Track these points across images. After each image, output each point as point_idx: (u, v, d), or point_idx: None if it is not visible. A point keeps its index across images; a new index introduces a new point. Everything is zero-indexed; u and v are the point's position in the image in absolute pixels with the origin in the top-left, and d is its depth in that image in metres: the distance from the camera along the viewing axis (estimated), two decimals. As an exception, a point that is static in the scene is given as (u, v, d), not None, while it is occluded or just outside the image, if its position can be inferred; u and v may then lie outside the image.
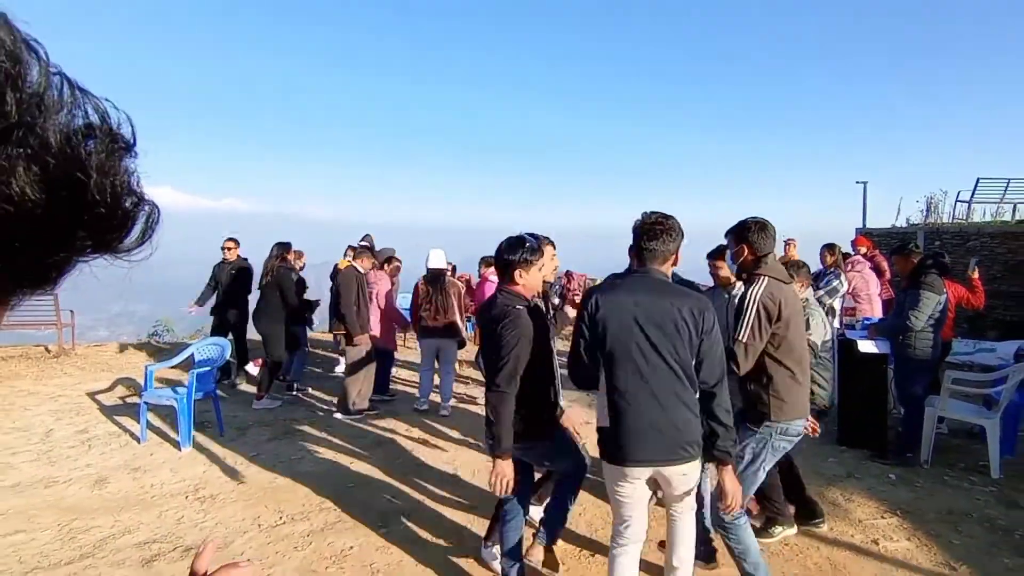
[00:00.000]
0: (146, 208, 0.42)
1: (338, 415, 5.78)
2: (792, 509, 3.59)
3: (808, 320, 3.27)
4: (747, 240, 2.73)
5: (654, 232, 2.36)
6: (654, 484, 2.45)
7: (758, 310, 2.61)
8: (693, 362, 2.29)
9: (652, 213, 2.45)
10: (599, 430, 2.40)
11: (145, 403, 5.02)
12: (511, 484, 2.47)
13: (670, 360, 2.25)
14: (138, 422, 5.08)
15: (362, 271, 5.92)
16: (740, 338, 2.62)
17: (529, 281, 2.66)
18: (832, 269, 7.13)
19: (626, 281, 2.44)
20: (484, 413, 2.55)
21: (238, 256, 7.04)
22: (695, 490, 2.46)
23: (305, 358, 7.10)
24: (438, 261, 6.09)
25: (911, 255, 4.98)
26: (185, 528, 3.59)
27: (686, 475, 2.33)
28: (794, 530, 3.53)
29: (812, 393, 3.15)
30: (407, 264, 7.50)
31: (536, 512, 3.29)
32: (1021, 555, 3.35)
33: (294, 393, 6.58)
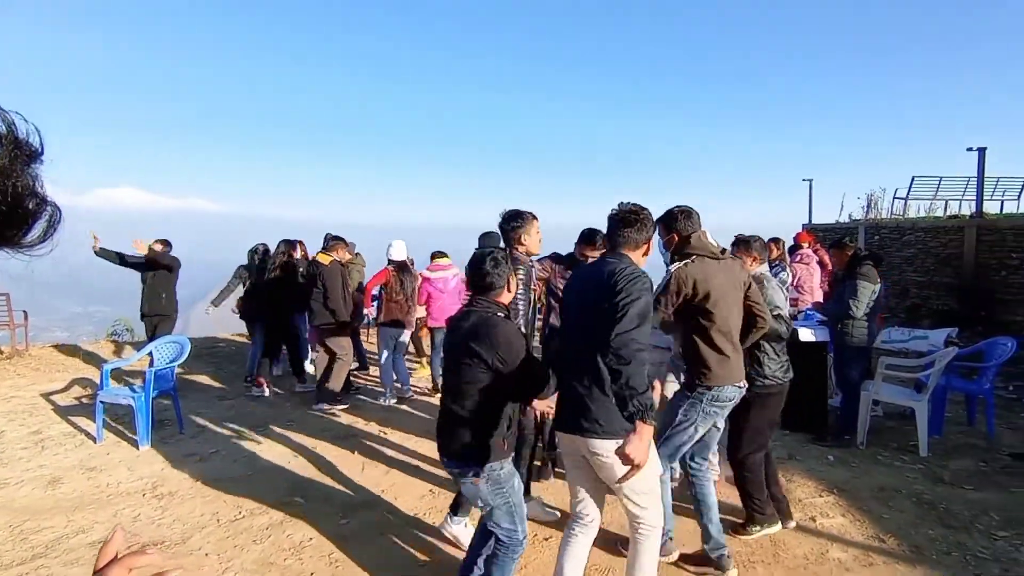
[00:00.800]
0: (48, 209, 0.44)
1: (321, 406, 5.73)
2: (772, 508, 3.43)
3: (765, 292, 3.33)
4: (675, 228, 2.87)
5: (629, 220, 2.43)
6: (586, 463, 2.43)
7: (667, 285, 2.75)
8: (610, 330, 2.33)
9: (628, 203, 2.52)
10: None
11: (101, 402, 4.87)
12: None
13: (589, 331, 2.30)
14: (94, 422, 4.93)
15: (343, 263, 6.03)
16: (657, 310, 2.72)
17: (513, 290, 2.53)
18: (777, 262, 7.33)
19: (592, 264, 2.53)
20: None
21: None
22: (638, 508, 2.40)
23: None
24: (400, 253, 6.13)
25: (846, 248, 5.18)
26: (141, 526, 3.51)
27: (595, 453, 2.29)
28: (776, 528, 3.42)
29: (762, 369, 3.24)
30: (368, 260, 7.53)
31: (460, 531, 3.23)
32: (944, 526, 3.53)
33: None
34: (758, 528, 3.37)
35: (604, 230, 2.63)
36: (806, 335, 5.11)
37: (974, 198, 12.21)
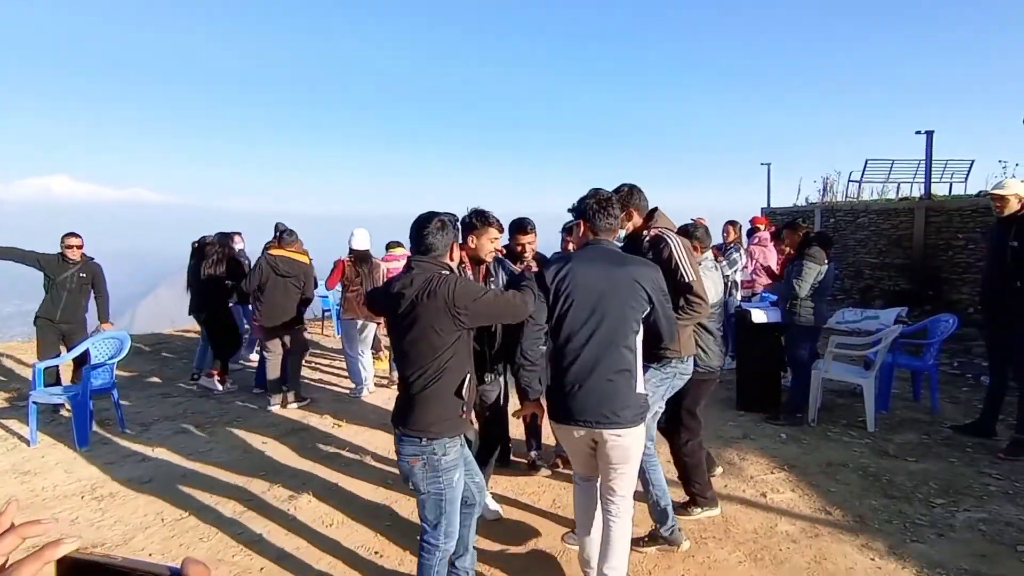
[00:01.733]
0: None
1: (292, 405, 5.64)
2: (713, 491, 3.56)
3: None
4: (631, 204, 2.94)
5: (611, 208, 2.53)
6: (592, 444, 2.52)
7: (689, 253, 2.93)
8: (641, 328, 2.46)
9: (600, 190, 2.61)
10: (546, 390, 2.55)
11: (34, 403, 4.72)
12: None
13: (621, 326, 2.39)
14: (27, 424, 4.77)
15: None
16: (693, 280, 2.86)
17: (456, 259, 2.51)
18: (733, 244, 7.56)
19: (586, 251, 2.54)
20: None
21: (83, 256, 5.59)
22: (630, 484, 2.54)
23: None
24: (363, 242, 5.99)
25: (798, 229, 5.38)
26: (80, 528, 3.43)
27: (620, 439, 2.40)
28: (717, 511, 3.51)
29: (705, 356, 3.35)
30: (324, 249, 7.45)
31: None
32: (886, 496, 3.73)
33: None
34: (699, 511, 3.48)
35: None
36: (758, 316, 5.30)
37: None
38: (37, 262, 5.44)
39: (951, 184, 14.97)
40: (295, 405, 5.65)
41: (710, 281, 3.64)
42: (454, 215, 2.53)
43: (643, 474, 3.00)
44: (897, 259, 11.12)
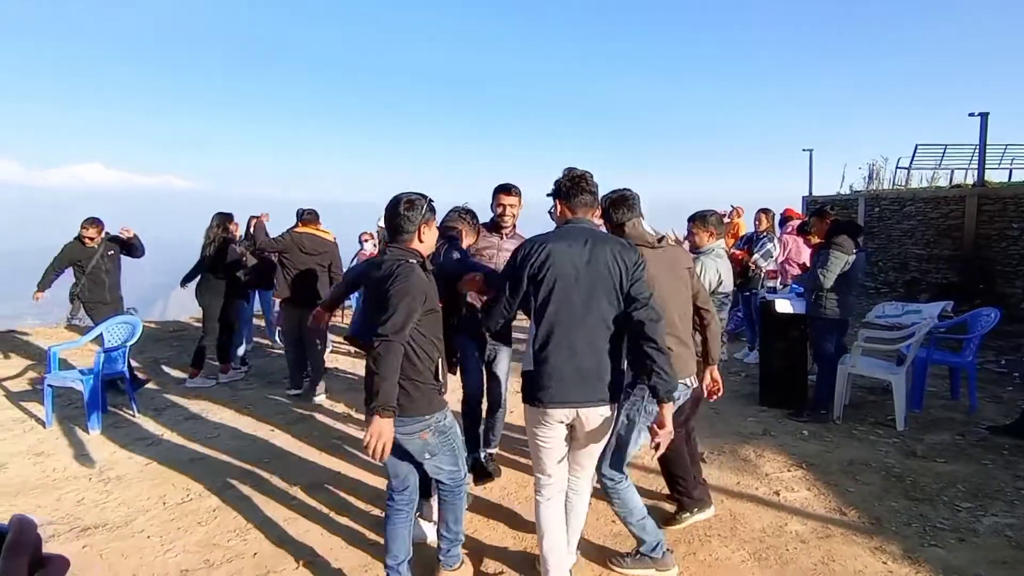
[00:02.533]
0: None
1: (319, 397, 5.63)
2: (701, 490, 3.43)
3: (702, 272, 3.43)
4: (609, 219, 2.88)
5: (585, 183, 2.55)
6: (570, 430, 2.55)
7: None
8: (622, 307, 2.43)
9: (573, 168, 2.61)
10: (524, 374, 2.52)
11: (49, 386, 4.92)
12: (388, 447, 2.30)
13: (603, 305, 2.40)
14: (43, 406, 4.99)
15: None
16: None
17: (429, 240, 2.60)
18: (766, 233, 7.41)
19: (563, 230, 2.54)
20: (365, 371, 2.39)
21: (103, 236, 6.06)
22: (592, 468, 2.67)
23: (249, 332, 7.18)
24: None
25: (826, 217, 5.24)
26: (85, 509, 3.58)
27: (603, 417, 2.46)
28: (709, 512, 3.41)
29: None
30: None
31: (431, 530, 3.18)
32: (908, 499, 3.64)
33: (245, 368, 6.64)
34: (688, 515, 3.35)
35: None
36: (783, 306, 5.20)
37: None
38: (68, 263, 5.95)
39: (1011, 171, 14.39)
40: (321, 396, 5.63)
41: (713, 270, 3.58)
42: (425, 195, 2.56)
43: (619, 507, 2.86)
44: (946, 250, 10.74)
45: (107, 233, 6.09)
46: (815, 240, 5.48)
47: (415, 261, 2.43)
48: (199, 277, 6.21)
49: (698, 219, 3.75)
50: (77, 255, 5.94)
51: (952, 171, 14.07)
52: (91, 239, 5.92)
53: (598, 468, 2.77)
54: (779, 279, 7.06)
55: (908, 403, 4.99)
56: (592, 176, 2.59)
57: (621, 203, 2.83)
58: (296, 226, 5.88)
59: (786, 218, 8.13)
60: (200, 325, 6.49)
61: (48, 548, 3.01)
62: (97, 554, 3.11)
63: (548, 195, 2.65)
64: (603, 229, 2.82)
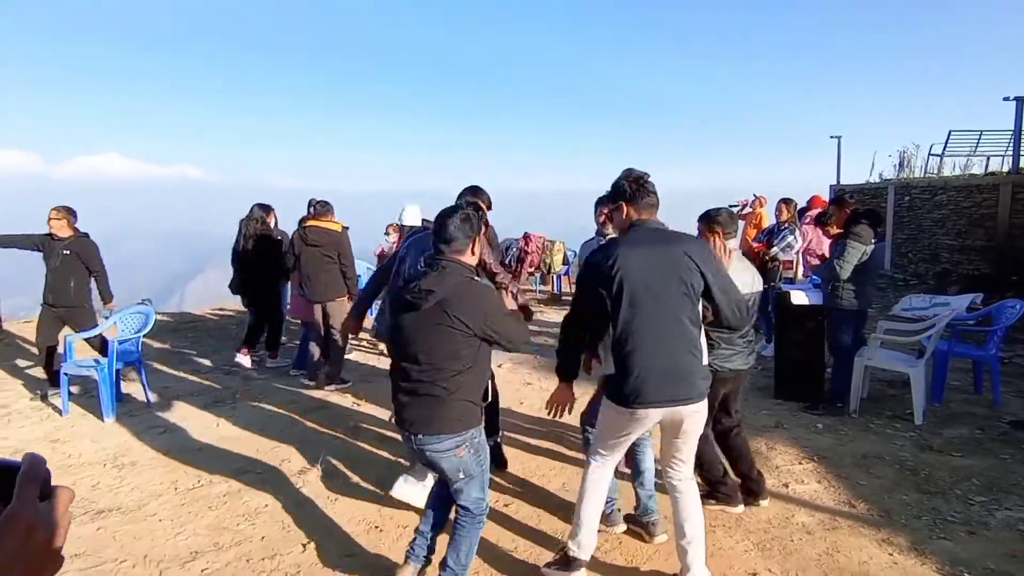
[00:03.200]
0: None
1: (330, 387, 5.79)
2: (732, 485, 3.53)
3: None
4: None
5: (648, 185, 2.64)
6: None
7: None
8: (700, 303, 2.55)
9: (632, 169, 2.70)
10: (608, 378, 2.62)
11: (65, 375, 5.12)
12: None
13: (681, 303, 2.50)
14: (60, 394, 5.20)
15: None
16: None
17: (478, 252, 2.66)
18: (787, 224, 7.39)
19: (634, 233, 2.62)
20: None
21: (75, 232, 5.44)
22: (693, 459, 2.78)
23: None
24: (414, 218, 5.88)
25: (846, 205, 5.24)
26: (99, 493, 3.76)
27: (698, 413, 2.59)
28: (738, 508, 3.48)
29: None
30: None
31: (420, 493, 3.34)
32: (920, 491, 3.67)
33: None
34: (713, 503, 3.47)
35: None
36: (798, 298, 5.22)
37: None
38: (35, 245, 5.40)
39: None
40: (333, 387, 5.77)
41: (736, 275, 3.55)
42: (478, 208, 2.69)
43: (632, 458, 3.06)
44: (978, 241, 10.59)
45: (76, 231, 5.45)
46: (834, 230, 5.46)
47: (470, 276, 2.49)
48: (243, 269, 6.48)
49: (704, 219, 3.54)
50: (45, 246, 5.36)
51: (988, 158, 13.82)
52: (59, 231, 5.30)
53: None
54: (797, 270, 7.04)
55: (928, 397, 5.00)
56: (650, 177, 2.68)
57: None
58: (306, 218, 6.03)
59: (805, 209, 8.09)
60: (216, 317, 6.68)
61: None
62: (111, 536, 3.28)
63: (603, 199, 2.74)
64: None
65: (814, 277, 6.64)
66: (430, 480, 3.22)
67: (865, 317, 5.09)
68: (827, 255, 6.84)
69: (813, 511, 3.49)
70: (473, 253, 2.56)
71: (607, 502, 3.06)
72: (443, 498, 2.74)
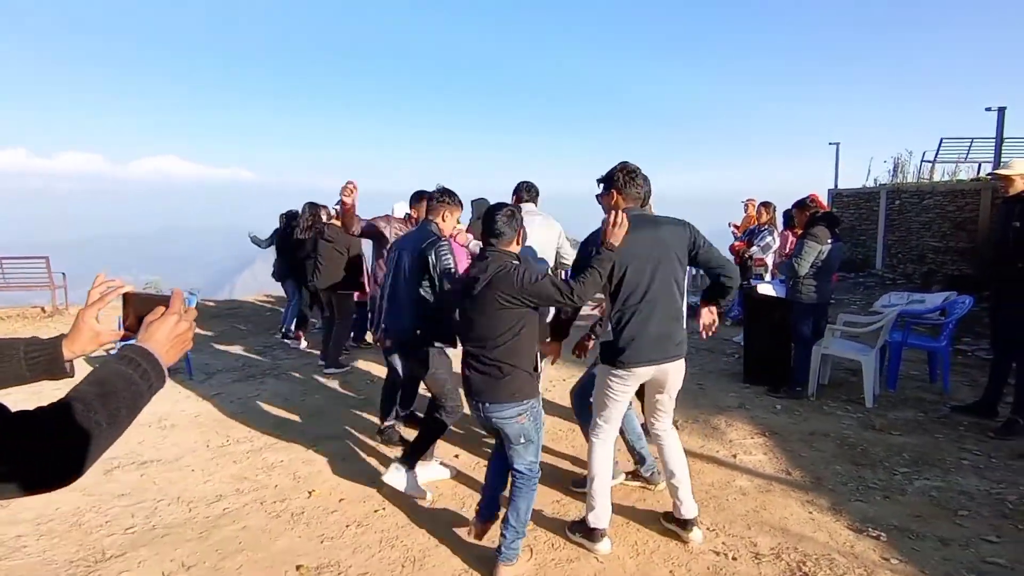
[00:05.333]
0: None
1: (329, 370, 6.11)
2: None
3: None
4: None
5: (638, 178, 2.92)
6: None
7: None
8: (685, 274, 2.89)
9: (626, 163, 2.97)
10: (604, 344, 2.90)
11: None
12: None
13: (671, 276, 2.81)
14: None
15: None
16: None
17: (520, 243, 2.87)
18: (766, 226, 7.57)
19: (648, 220, 2.90)
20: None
21: None
22: (672, 411, 3.08)
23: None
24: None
25: (807, 208, 5.42)
26: (144, 448, 4.17)
27: (680, 369, 2.92)
28: (660, 486, 3.53)
29: None
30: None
31: (428, 471, 3.64)
32: (853, 464, 3.88)
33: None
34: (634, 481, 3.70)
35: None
36: (765, 289, 5.44)
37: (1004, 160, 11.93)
38: None
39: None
40: (333, 370, 6.09)
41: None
42: (519, 207, 2.93)
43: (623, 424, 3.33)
44: (961, 243, 10.56)
45: None
46: (799, 231, 5.66)
47: (516, 262, 2.72)
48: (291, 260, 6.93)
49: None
50: None
51: (979, 164, 13.68)
52: None
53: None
54: (767, 268, 7.22)
55: (882, 383, 5.18)
56: (642, 171, 2.95)
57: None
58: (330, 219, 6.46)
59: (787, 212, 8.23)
60: (255, 304, 7.09)
61: (113, 476, 3.58)
62: (151, 481, 3.68)
63: (599, 181, 3.02)
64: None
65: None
66: (420, 470, 3.52)
67: (825, 310, 5.27)
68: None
69: (753, 477, 3.73)
70: (517, 244, 2.80)
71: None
72: (501, 464, 2.93)
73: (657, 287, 2.77)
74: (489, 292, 2.59)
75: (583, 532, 2.98)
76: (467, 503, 3.41)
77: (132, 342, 1.13)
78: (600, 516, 2.93)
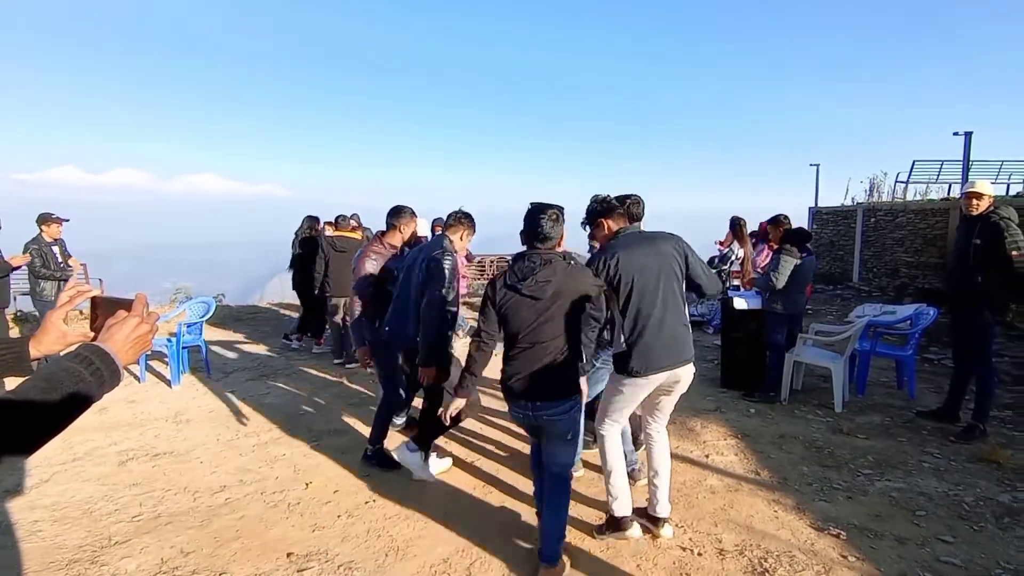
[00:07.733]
0: None
1: (343, 364, 6.19)
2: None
3: None
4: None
5: (614, 204, 2.91)
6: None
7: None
8: (685, 284, 2.84)
9: (596, 194, 2.97)
10: (616, 356, 2.81)
11: (144, 350, 5.58)
12: None
13: (673, 287, 2.77)
14: (138, 365, 5.66)
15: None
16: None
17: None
18: (731, 246, 7.58)
19: (622, 238, 2.85)
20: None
21: None
22: (669, 414, 3.02)
23: None
24: (423, 230, 5.90)
25: (780, 224, 5.36)
26: (159, 441, 4.15)
27: (691, 371, 2.84)
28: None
29: None
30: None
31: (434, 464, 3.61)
32: (820, 465, 3.79)
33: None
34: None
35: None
36: (739, 303, 5.36)
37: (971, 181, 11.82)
38: None
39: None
40: (352, 364, 6.16)
41: None
42: (562, 207, 2.66)
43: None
44: (932, 258, 10.45)
45: None
46: (775, 246, 5.59)
47: (570, 262, 2.57)
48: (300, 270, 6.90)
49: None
50: None
51: (949, 185, 13.55)
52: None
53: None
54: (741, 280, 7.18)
55: (851, 389, 5.09)
56: (611, 197, 2.97)
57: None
58: (334, 230, 6.52)
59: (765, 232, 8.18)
60: (273, 309, 7.09)
61: (127, 467, 3.55)
62: (162, 472, 3.66)
63: (584, 224, 2.99)
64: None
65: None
66: (427, 464, 3.51)
67: (798, 320, 5.19)
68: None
69: (723, 477, 3.65)
70: (560, 245, 2.59)
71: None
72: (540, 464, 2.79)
73: (665, 296, 2.74)
74: (556, 296, 2.41)
75: (611, 527, 2.91)
76: (454, 494, 3.36)
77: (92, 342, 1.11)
78: (624, 504, 2.89)
